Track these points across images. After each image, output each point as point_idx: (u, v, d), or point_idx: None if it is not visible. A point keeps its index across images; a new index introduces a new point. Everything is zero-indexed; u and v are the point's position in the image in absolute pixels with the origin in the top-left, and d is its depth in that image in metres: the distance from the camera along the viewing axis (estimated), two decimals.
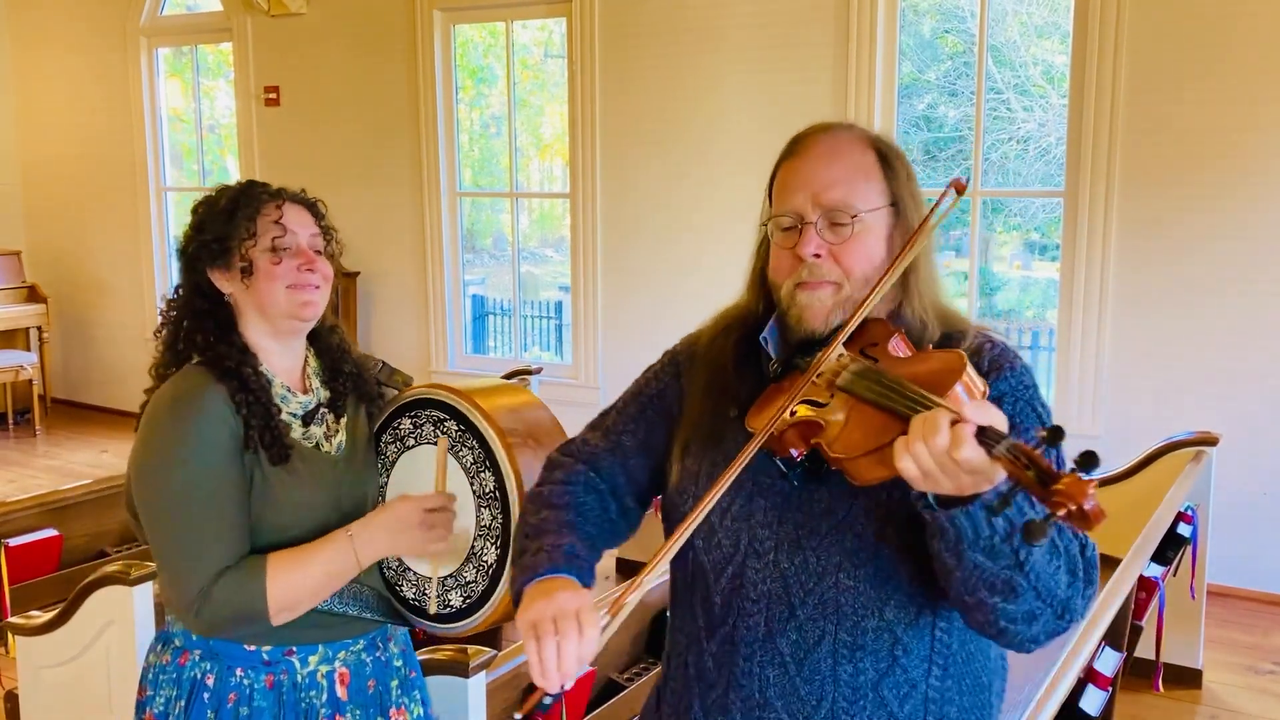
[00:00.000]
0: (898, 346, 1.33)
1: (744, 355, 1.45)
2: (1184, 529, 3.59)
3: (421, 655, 2.12)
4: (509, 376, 5.15)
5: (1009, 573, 1.18)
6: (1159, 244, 4.74)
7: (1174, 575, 3.67)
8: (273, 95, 7.06)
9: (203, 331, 1.74)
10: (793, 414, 1.29)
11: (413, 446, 1.84)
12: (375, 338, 6.94)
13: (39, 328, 7.83)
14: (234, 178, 7.59)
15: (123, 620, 2.59)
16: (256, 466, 1.70)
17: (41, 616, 2.77)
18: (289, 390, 1.78)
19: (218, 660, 1.74)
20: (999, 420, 1.11)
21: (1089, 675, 2.68)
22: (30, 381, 7.49)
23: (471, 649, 2.13)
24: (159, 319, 1.83)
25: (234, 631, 1.71)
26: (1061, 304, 5.01)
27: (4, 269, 7.76)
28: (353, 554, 1.72)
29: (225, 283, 1.75)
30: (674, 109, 5.75)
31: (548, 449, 1.78)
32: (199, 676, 1.74)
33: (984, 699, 1.41)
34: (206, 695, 1.73)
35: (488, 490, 1.75)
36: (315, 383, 1.84)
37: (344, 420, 1.84)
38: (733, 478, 1.27)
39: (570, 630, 1.21)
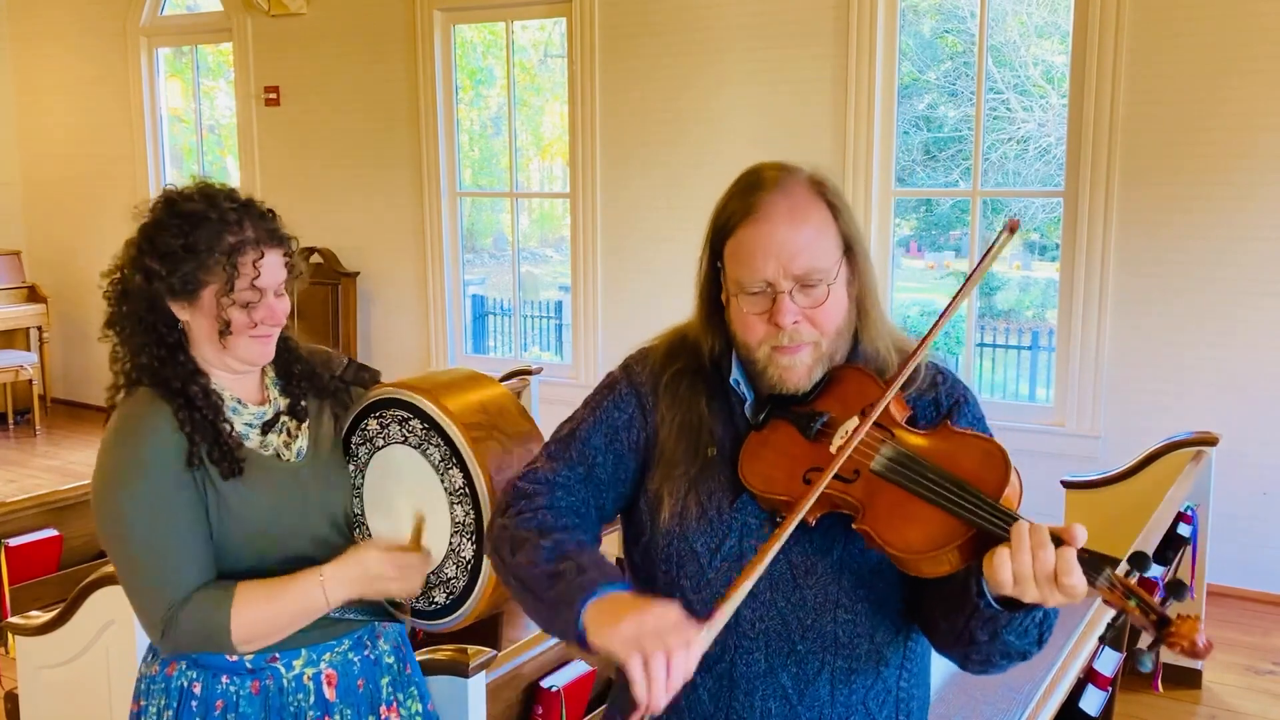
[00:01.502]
0: (901, 413, 1.35)
1: (710, 393, 1.44)
2: (1184, 529, 3.59)
3: (421, 655, 2.11)
4: (509, 376, 5.14)
5: (1028, 647, 1.28)
6: (1159, 244, 4.74)
7: (1174, 575, 3.67)
8: (273, 95, 7.06)
9: (148, 354, 1.71)
10: (806, 482, 1.30)
11: (383, 447, 1.83)
12: (375, 338, 6.94)
13: (39, 328, 7.83)
14: (234, 178, 7.61)
15: (123, 620, 2.59)
16: (209, 483, 1.68)
17: (41, 616, 2.76)
18: (240, 403, 1.76)
19: (203, 669, 1.74)
20: (1084, 538, 1.18)
21: (1089, 675, 2.68)
22: (30, 381, 7.49)
23: (471, 649, 2.12)
24: (110, 341, 1.76)
25: (200, 650, 1.71)
26: (1061, 304, 5.01)
27: (4, 269, 7.76)
28: (322, 596, 1.70)
29: (184, 313, 1.70)
30: (674, 109, 5.75)
31: (514, 439, 1.77)
32: (186, 685, 1.74)
33: (928, 685, 1.51)
34: (194, 703, 1.74)
35: (458, 486, 1.75)
36: (274, 393, 1.82)
37: (306, 424, 1.82)
38: (769, 557, 1.26)
39: (679, 646, 1.17)
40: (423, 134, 6.51)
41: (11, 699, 3.08)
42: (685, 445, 1.41)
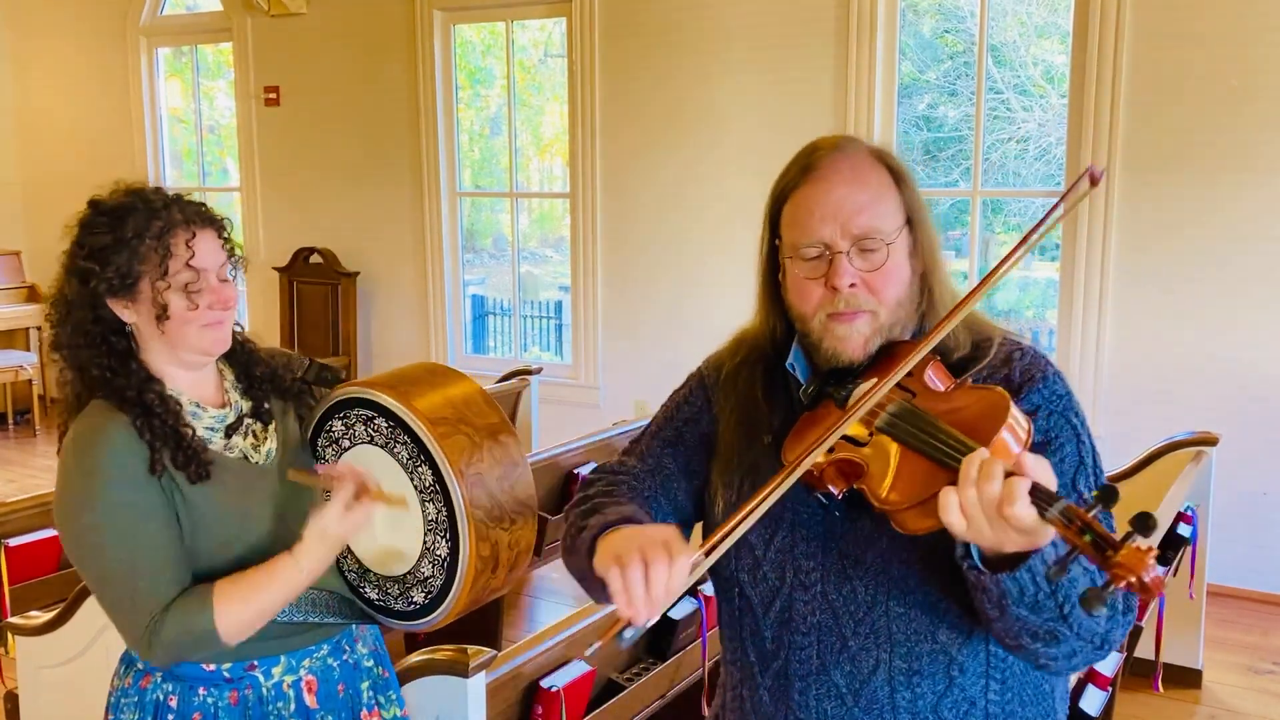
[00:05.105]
0: (934, 379, 1.30)
1: (770, 382, 1.42)
2: (1184, 529, 3.59)
3: (422, 655, 2.12)
4: (509, 376, 5.14)
5: (1052, 624, 1.18)
6: (1159, 244, 4.74)
7: (1174, 575, 3.67)
8: (273, 95, 7.06)
9: (98, 366, 1.65)
10: (830, 450, 1.25)
11: (350, 447, 1.80)
12: (375, 338, 6.94)
13: (39, 328, 7.83)
14: (234, 178, 7.61)
15: None
16: (175, 489, 1.64)
17: (41, 616, 2.76)
18: (199, 406, 1.71)
19: (180, 681, 1.70)
20: (1052, 477, 1.09)
21: (1089, 675, 2.68)
22: (30, 381, 7.49)
23: (471, 649, 2.12)
24: (59, 365, 1.71)
25: (194, 657, 1.67)
26: (1061, 304, 5.01)
27: (4, 269, 7.76)
28: (300, 574, 1.67)
29: (127, 313, 1.65)
30: (674, 109, 5.75)
31: (482, 432, 1.75)
32: (161, 699, 1.70)
33: (1048, 705, 1.39)
34: (171, 717, 1.70)
35: (428, 484, 1.72)
36: (234, 395, 1.78)
37: (272, 426, 1.78)
38: (772, 498, 1.22)
39: (659, 557, 1.14)
40: (423, 134, 6.51)
41: (11, 699, 3.08)
42: (740, 435, 1.40)
